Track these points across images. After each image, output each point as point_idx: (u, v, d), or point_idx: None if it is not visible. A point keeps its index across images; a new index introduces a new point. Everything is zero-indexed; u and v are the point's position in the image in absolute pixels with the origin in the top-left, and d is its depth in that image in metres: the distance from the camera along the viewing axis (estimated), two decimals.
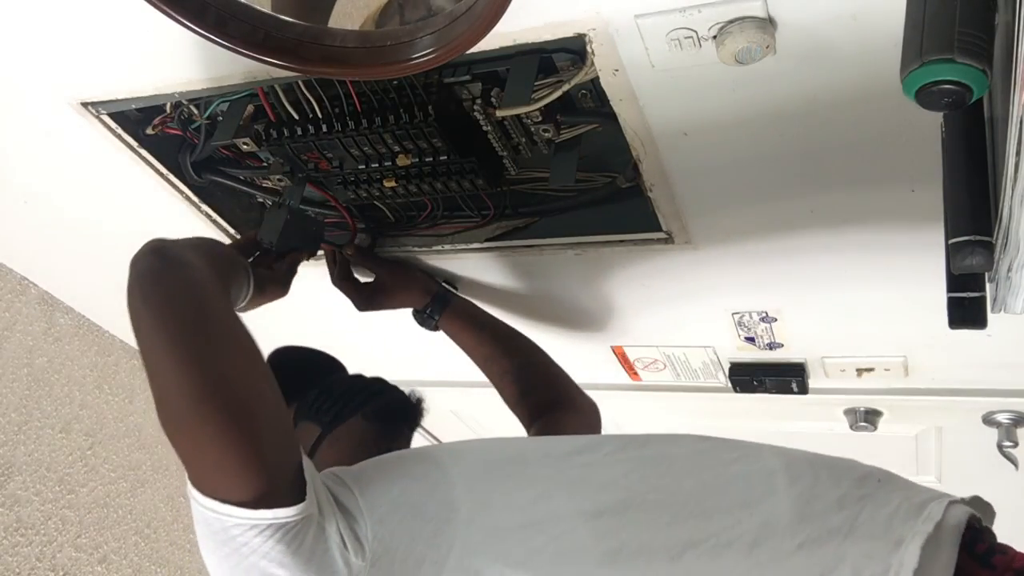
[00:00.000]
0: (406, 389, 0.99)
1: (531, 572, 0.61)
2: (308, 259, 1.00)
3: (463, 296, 1.12)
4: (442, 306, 1.07)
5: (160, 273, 0.67)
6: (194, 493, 0.59)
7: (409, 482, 0.67)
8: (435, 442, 1.71)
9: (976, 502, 0.66)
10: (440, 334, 1.09)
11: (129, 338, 1.54)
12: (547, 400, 1.02)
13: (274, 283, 0.93)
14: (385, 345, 1.32)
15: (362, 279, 1.10)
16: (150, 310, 0.64)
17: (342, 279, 1.07)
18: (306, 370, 0.99)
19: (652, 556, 0.61)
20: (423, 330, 1.10)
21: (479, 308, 1.10)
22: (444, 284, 1.11)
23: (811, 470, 0.67)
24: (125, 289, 0.67)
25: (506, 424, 1.45)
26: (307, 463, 0.62)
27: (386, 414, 0.93)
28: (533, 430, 0.99)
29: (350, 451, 0.87)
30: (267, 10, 0.65)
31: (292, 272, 0.96)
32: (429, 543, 0.62)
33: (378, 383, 1.00)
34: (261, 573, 0.58)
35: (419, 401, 0.98)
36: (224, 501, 0.57)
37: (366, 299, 1.07)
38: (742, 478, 0.67)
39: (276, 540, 0.57)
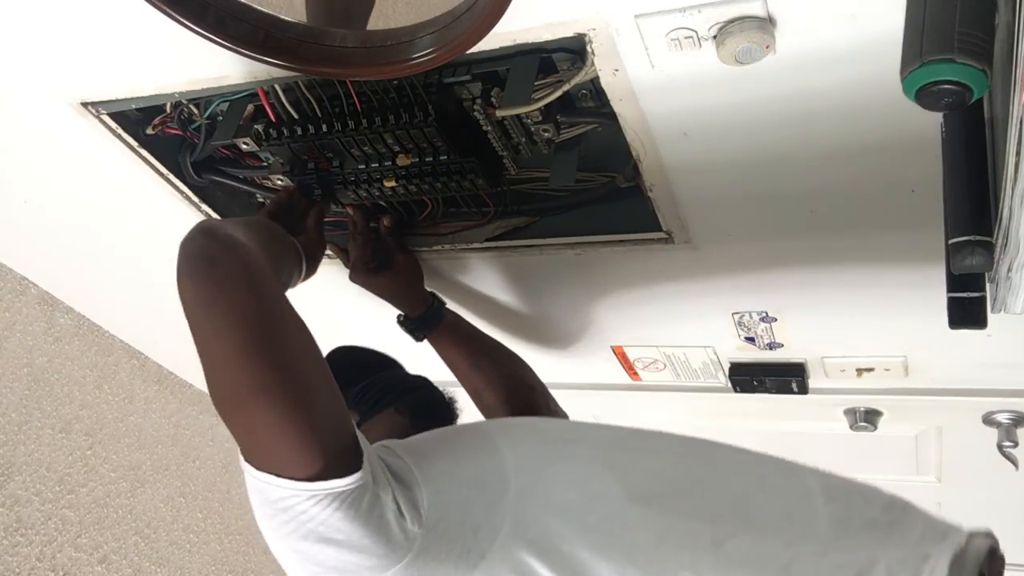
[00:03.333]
0: (443, 389, 1.00)
1: (585, 549, 0.62)
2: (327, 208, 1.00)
3: (451, 310, 1.10)
4: (436, 320, 1.06)
5: (213, 256, 0.67)
6: (248, 467, 0.60)
7: (464, 453, 0.69)
8: None
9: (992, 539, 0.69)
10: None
11: (129, 338, 1.54)
12: (527, 408, 1.03)
13: (318, 246, 0.93)
14: (385, 346, 1.32)
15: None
16: (205, 293, 0.65)
17: (364, 235, 1.04)
18: (358, 364, 1.00)
19: (697, 540, 0.63)
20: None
21: (466, 322, 1.10)
22: (437, 295, 1.10)
23: (845, 494, 0.70)
24: (175, 268, 0.67)
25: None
26: (361, 436, 0.63)
27: (419, 410, 0.94)
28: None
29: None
30: (267, 10, 0.65)
31: (322, 227, 0.96)
32: (485, 512, 0.64)
33: (418, 380, 1.01)
34: (319, 539, 0.59)
35: (452, 401, 0.99)
36: (280, 475, 0.59)
37: (367, 269, 1.03)
38: (782, 492, 0.70)
39: (334, 508, 0.58)
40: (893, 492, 0.71)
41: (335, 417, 0.63)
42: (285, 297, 0.69)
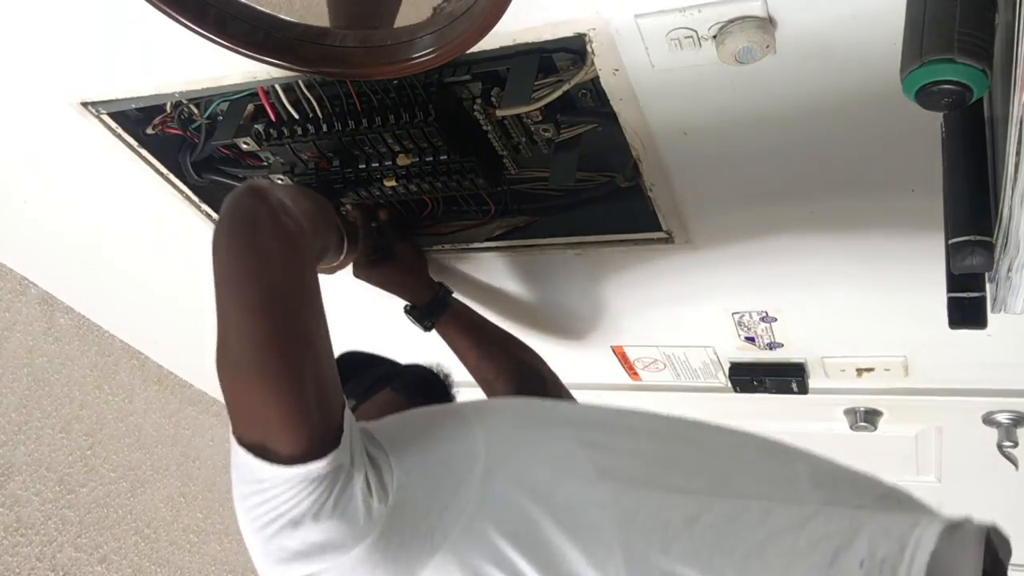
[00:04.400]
0: (434, 367, 1.00)
1: (552, 527, 0.62)
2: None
3: (458, 298, 1.11)
4: (443, 307, 1.06)
5: (256, 217, 0.66)
6: (235, 441, 0.61)
7: (437, 435, 0.69)
8: None
9: (996, 534, 0.64)
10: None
11: (129, 338, 1.54)
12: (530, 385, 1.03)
13: (359, 229, 0.95)
14: (385, 346, 1.32)
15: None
16: (236, 253, 0.65)
17: (364, 230, 1.02)
18: (356, 362, 1.00)
19: (669, 518, 0.62)
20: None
21: (473, 311, 1.10)
22: (445, 284, 1.11)
23: (833, 480, 0.68)
24: (218, 217, 0.67)
25: None
26: (348, 416, 0.64)
27: (414, 386, 0.94)
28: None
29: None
30: (267, 10, 0.65)
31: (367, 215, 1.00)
32: (452, 493, 0.64)
33: (411, 364, 1.01)
34: (287, 520, 0.60)
35: (447, 376, 0.99)
36: (263, 457, 0.59)
37: (368, 262, 1.02)
38: (766, 475, 0.68)
39: (308, 493, 0.59)
40: (894, 484, 0.68)
41: (327, 400, 0.63)
42: (314, 275, 0.70)
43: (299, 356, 0.62)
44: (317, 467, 0.59)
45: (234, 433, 0.62)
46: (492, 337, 1.07)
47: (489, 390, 1.06)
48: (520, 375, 1.04)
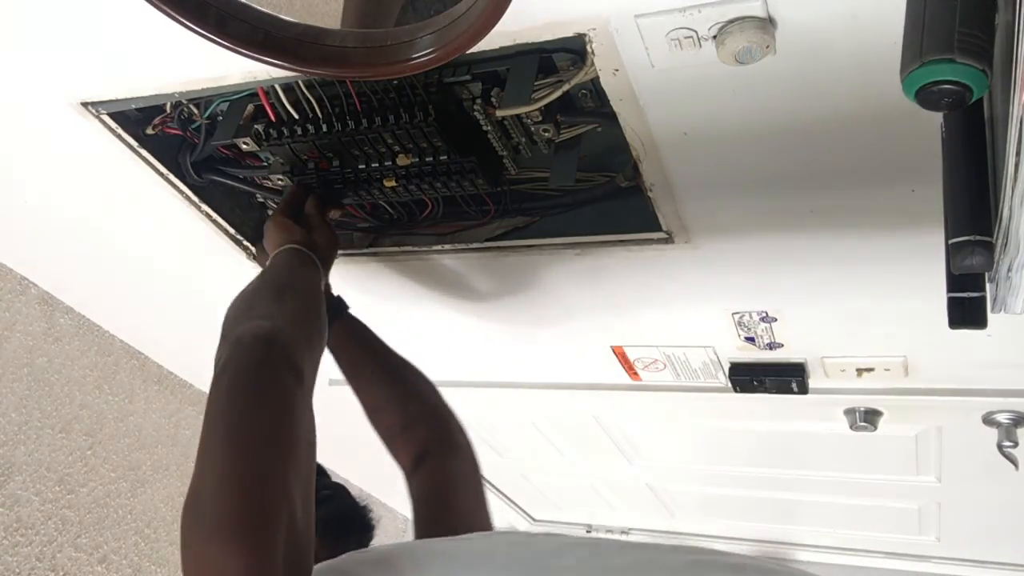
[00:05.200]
0: (358, 499, 0.94)
1: None
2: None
3: (357, 317, 1.02)
4: (336, 314, 0.98)
5: (260, 371, 0.65)
6: None
7: None
8: None
9: None
10: (439, 332, 1.08)
11: (129, 338, 1.54)
12: (430, 437, 0.92)
13: (330, 248, 0.91)
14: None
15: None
16: (234, 405, 0.63)
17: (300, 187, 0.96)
18: None
19: None
20: (421, 329, 1.10)
21: (372, 331, 1.00)
22: (343, 299, 1.02)
23: None
24: (214, 361, 0.66)
25: (505, 422, 1.45)
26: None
27: (329, 525, 0.86)
28: (419, 476, 0.89)
29: None
30: (267, 10, 0.65)
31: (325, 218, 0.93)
32: None
33: (333, 489, 0.95)
34: None
35: (366, 509, 0.94)
36: None
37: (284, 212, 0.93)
38: None
39: None
40: None
41: (302, 567, 0.59)
42: (302, 410, 0.66)
43: (278, 526, 0.57)
44: None
45: None
46: (388, 361, 0.98)
47: (379, 416, 0.96)
48: (412, 409, 0.94)
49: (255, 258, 1.13)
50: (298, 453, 0.63)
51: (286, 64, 0.65)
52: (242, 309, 0.76)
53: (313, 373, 0.74)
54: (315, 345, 0.78)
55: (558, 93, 0.78)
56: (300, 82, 0.86)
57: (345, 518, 0.93)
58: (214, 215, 1.09)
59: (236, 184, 1.06)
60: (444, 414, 0.95)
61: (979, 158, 0.49)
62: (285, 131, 0.91)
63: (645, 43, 0.68)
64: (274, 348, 0.68)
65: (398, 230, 1.08)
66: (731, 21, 0.64)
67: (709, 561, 0.61)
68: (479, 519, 0.86)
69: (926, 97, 0.41)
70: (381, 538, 0.98)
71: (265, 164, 1.01)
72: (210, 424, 0.62)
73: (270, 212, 1.10)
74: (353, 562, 0.65)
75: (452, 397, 0.97)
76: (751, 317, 1.10)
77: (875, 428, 1.27)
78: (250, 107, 0.93)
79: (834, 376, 1.18)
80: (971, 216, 0.47)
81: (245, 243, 1.13)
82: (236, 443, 0.60)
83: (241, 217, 1.12)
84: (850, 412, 1.28)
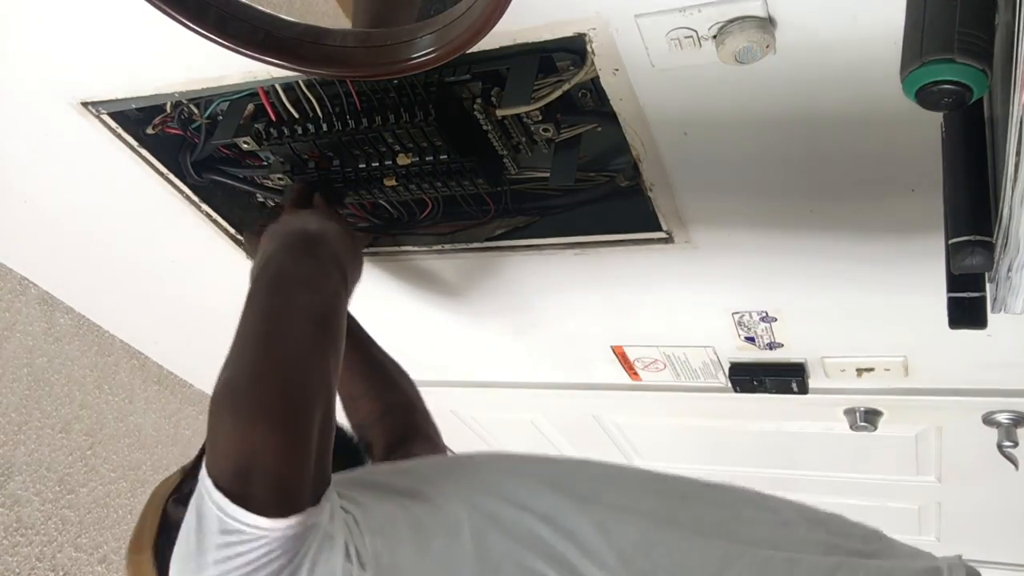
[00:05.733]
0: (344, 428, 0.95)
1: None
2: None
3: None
4: None
5: (310, 262, 0.66)
6: (210, 489, 0.56)
7: (402, 500, 0.64)
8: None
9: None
10: (438, 332, 1.08)
11: (129, 338, 1.54)
12: (405, 424, 0.98)
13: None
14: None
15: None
16: (275, 294, 0.63)
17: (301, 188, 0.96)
18: None
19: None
20: (421, 329, 1.10)
21: (357, 322, 1.03)
22: None
23: (823, 523, 0.69)
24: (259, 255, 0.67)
25: (505, 422, 1.45)
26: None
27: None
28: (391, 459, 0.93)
29: None
30: (267, 10, 0.65)
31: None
32: (440, 559, 0.60)
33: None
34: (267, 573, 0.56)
35: (351, 439, 0.94)
36: (241, 506, 0.55)
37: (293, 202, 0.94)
38: (761, 521, 0.68)
39: (282, 551, 0.55)
40: (866, 523, 0.70)
41: (326, 454, 0.60)
42: (345, 308, 0.68)
43: (308, 417, 0.58)
44: (294, 522, 0.55)
45: (210, 474, 0.56)
46: (370, 354, 1.01)
47: (357, 404, 0.99)
48: (391, 398, 0.98)
49: (243, 247, 1.12)
50: (340, 346, 0.64)
51: (286, 64, 0.65)
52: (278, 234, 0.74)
53: (349, 296, 0.74)
54: (351, 279, 0.78)
55: (558, 93, 0.78)
56: (300, 82, 0.86)
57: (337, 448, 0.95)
58: (214, 215, 1.09)
59: (236, 184, 1.06)
60: (420, 407, 1.00)
61: (979, 158, 0.49)
62: (285, 130, 0.91)
63: (645, 43, 0.68)
64: (321, 247, 0.68)
65: (398, 229, 1.08)
66: (731, 21, 0.64)
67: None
68: None
69: (926, 97, 0.41)
70: None
71: (265, 164, 1.01)
72: (255, 307, 0.62)
73: (270, 212, 1.10)
74: (376, 472, 0.66)
75: (452, 397, 0.97)
76: (751, 317, 1.10)
77: (875, 428, 1.27)
78: (250, 107, 0.93)
79: (834, 376, 1.18)
80: (971, 216, 0.47)
81: (245, 243, 1.13)
82: (285, 322, 0.61)
83: (241, 217, 1.12)
84: (850, 412, 1.28)
